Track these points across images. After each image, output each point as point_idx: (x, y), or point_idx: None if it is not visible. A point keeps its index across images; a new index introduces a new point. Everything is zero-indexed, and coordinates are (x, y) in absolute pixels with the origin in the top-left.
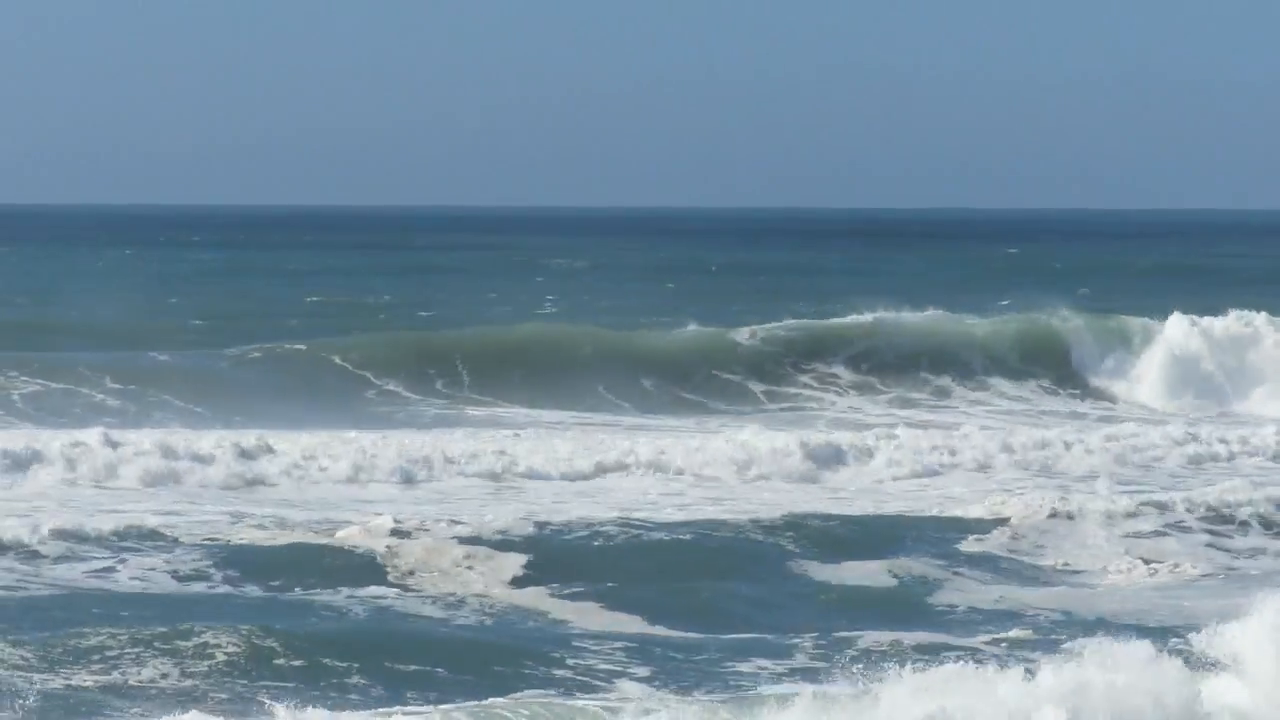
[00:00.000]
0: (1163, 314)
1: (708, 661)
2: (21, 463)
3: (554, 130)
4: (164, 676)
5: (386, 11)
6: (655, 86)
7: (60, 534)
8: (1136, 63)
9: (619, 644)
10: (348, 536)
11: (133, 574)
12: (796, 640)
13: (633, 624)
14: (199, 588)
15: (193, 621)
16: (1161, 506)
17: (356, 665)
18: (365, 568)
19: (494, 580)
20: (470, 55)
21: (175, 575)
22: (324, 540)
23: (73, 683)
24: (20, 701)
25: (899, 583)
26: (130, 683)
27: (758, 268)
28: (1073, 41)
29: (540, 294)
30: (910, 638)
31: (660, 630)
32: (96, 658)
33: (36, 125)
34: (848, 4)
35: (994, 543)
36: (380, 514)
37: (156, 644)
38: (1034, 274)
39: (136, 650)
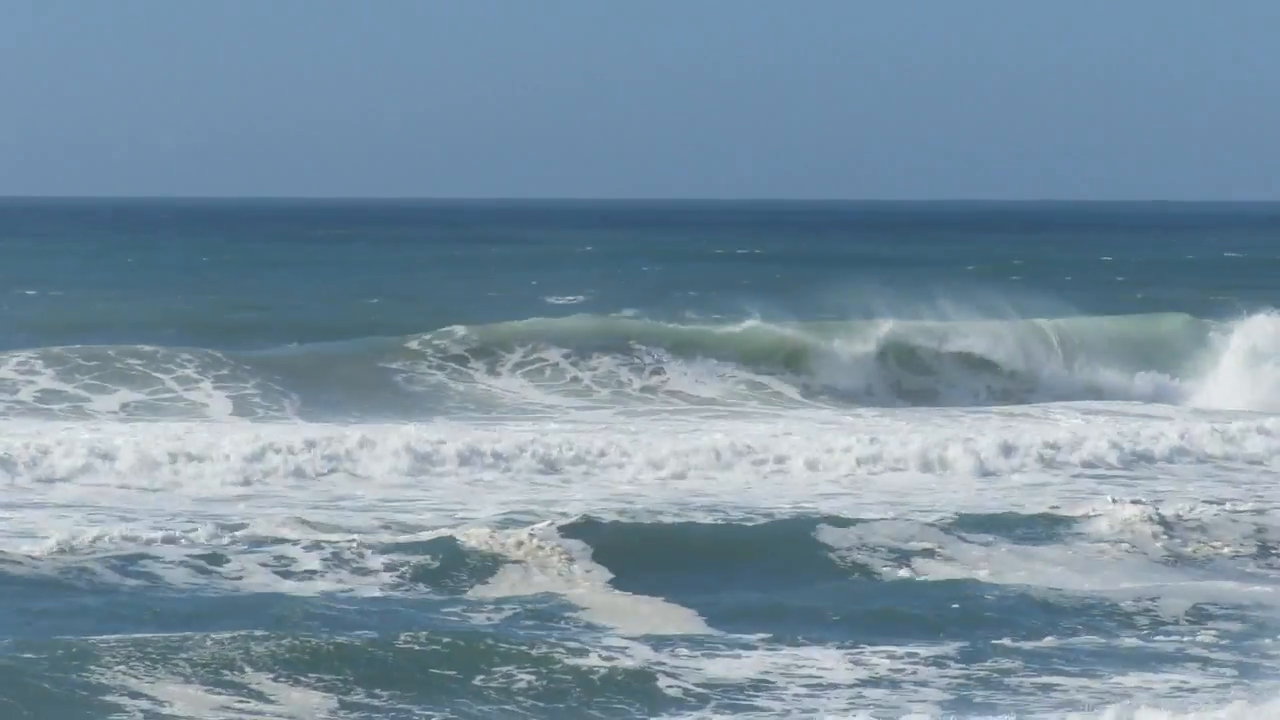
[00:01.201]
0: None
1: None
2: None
3: (554, 126)
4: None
5: (394, 4)
6: (659, 82)
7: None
8: (1138, 59)
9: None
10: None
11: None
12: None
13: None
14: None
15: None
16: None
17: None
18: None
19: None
20: (473, 53)
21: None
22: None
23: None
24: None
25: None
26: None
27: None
28: (1072, 39)
29: (575, 284)
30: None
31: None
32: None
33: (37, 119)
34: None
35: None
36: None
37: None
38: (1085, 269)
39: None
